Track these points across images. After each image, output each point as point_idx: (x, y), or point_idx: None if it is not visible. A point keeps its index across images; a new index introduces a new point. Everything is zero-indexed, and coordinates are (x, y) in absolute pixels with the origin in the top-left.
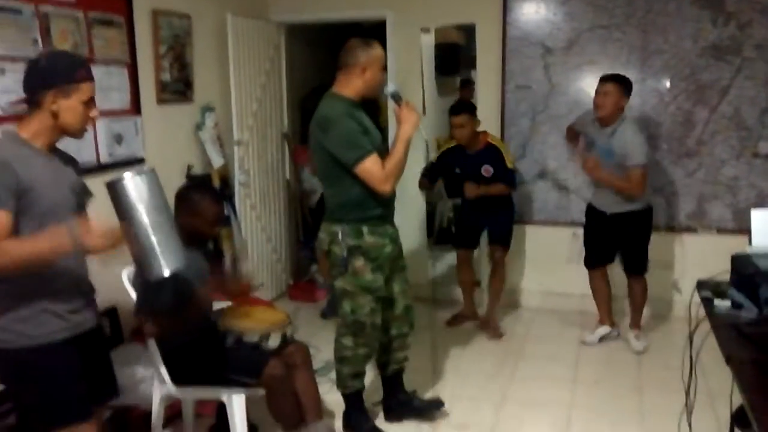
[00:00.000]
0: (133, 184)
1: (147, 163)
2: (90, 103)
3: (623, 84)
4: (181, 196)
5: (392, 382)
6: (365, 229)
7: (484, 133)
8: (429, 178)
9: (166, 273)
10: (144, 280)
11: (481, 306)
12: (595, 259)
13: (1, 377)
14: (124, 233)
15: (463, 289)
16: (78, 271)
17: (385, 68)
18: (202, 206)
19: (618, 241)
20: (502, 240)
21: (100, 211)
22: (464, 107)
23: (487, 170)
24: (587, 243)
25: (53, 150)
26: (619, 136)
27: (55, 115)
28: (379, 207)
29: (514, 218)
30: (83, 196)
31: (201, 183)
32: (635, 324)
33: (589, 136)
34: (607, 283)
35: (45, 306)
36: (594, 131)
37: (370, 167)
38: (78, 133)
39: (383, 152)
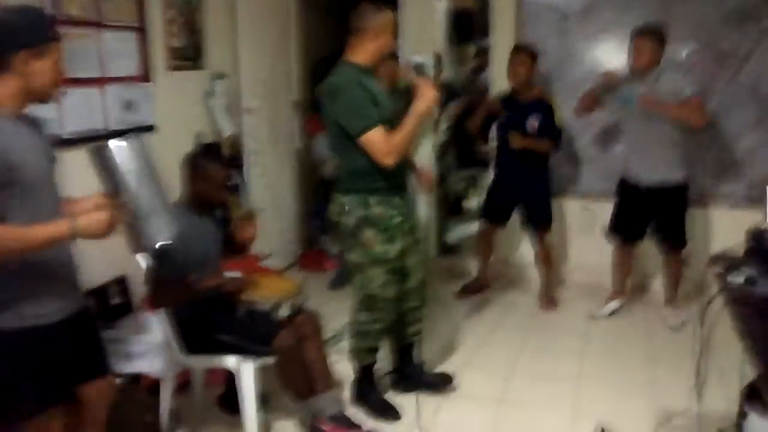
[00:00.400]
0: (119, 150)
1: (157, 130)
2: (60, 63)
3: (657, 36)
4: (189, 162)
5: (403, 354)
6: (372, 199)
7: (540, 88)
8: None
9: (160, 241)
10: (140, 250)
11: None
12: (626, 234)
13: None
14: (112, 203)
15: (480, 260)
16: (71, 248)
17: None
18: (209, 171)
19: (653, 217)
20: (543, 220)
21: (94, 181)
22: (526, 48)
23: (532, 125)
24: (619, 217)
25: (22, 116)
26: (665, 81)
27: (26, 77)
28: (386, 178)
29: (551, 193)
30: (55, 162)
31: (208, 148)
32: (672, 300)
33: (624, 92)
34: (631, 259)
35: (40, 286)
36: (630, 85)
37: (374, 138)
38: (48, 98)
39: (396, 121)
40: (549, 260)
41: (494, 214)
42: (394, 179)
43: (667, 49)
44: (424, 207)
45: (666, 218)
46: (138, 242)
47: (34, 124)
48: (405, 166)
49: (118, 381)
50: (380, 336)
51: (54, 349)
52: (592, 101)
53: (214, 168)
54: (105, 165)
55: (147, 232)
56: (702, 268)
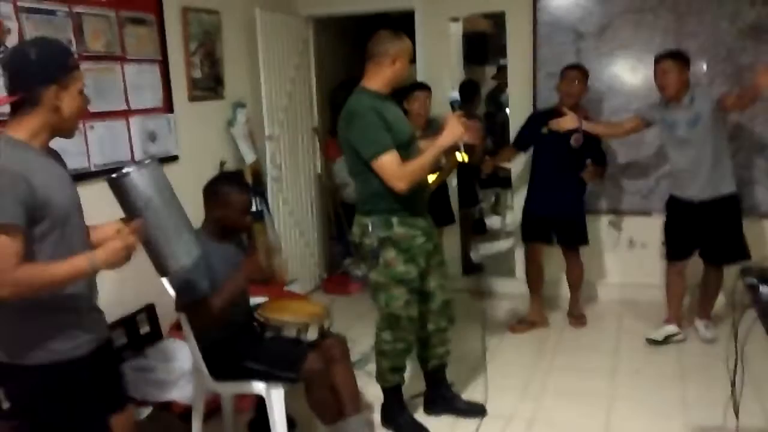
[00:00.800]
0: (138, 177)
1: (180, 160)
2: (83, 92)
3: (680, 58)
4: (208, 189)
5: (433, 376)
6: (395, 220)
7: (584, 109)
8: (518, 145)
9: (181, 266)
10: (162, 274)
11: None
12: (678, 253)
13: (18, 395)
14: (133, 230)
15: (531, 289)
16: (94, 280)
17: (413, 60)
18: (230, 197)
19: (706, 230)
20: (580, 238)
21: (119, 212)
22: (579, 66)
23: (577, 139)
24: (670, 236)
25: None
26: (701, 98)
27: (56, 111)
28: (407, 199)
29: (585, 211)
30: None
31: (227, 174)
32: (707, 314)
33: (666, 119)
34: (684, 279)
35: (71, 320)
36: (670, 112)
37: (385, 163)
38: (73, 131)
39: (413, 144)
40: (580, 278)
41: (534, 232)
42: (416, 201)
43: None
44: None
45: (721, 230)
46: (161, 266)
47: (56, 156)
48: (423, 189)
49: (149, 409)
50: (403, 356)
51: (84, 381)
52: (631, 124)
53: (233, 194)
54: (124, 192)
55: (168, 256)
56: (733, 279)
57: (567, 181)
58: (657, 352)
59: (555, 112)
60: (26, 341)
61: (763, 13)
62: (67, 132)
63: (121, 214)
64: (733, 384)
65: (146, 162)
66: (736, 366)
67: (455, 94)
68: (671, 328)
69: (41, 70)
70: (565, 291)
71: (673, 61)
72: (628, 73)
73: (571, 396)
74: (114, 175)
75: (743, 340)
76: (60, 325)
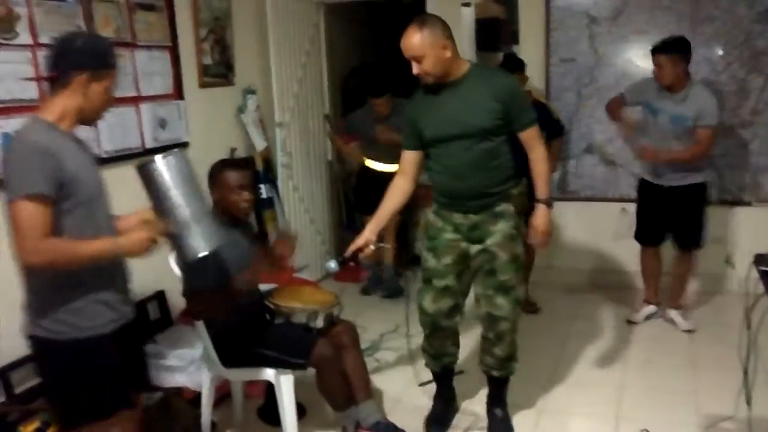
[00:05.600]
0: (164, 165)
1: (191, 147)
2: (113, 90)
3: (675, 51)
4: (209, 175)
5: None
6: (434, 206)
7: (529, 92)
8: None
9: (203, 253)
10: (183, 261)
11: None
12: (648, 235)
13: (45, 370)
14: (158, 217)
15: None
16: (122, 260)
17: None
18: (222, 176)
19: (673, 216)
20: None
21: (131, 198)
22: (515, 63)
23: None
24: (641, 219)
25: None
26: (693, 99)
27: (84, 97)
28: (441, 195)
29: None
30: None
31: (224, 159)
32: (678, 303)
33: (653, 104)
34: (659, 261)
35: (98, 297)
36: (660, 99)
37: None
38: (96, 120)
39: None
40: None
41: None
42: (451, 196)
43: (701, 50)
44: None
45: (685, 217)
46: (183, 253)
47: (80, 143)
48: (474, 188)
49: (159, 394)
50: (431, 360)
51: (108, 358)
52: (616, 109)
53: (226, 173)
54: (151, 180)
55: (191, 243)
56: (747, 268)
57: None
58: (666, 341)
59: None
60: (55, 315)
61: None
62: (90, 121)
63: (132, 202)
64: (745, 373)
65: (174, 152)
66: (748, 355)
67: (332, 265)
68: (650, 309)
69: (79, 56)
70: (573, 278)
71: (665, 56)
72: (642, 59)
73: (581, 385)
74: (141, 163)
75: (756, 329)
76: (87, 302)
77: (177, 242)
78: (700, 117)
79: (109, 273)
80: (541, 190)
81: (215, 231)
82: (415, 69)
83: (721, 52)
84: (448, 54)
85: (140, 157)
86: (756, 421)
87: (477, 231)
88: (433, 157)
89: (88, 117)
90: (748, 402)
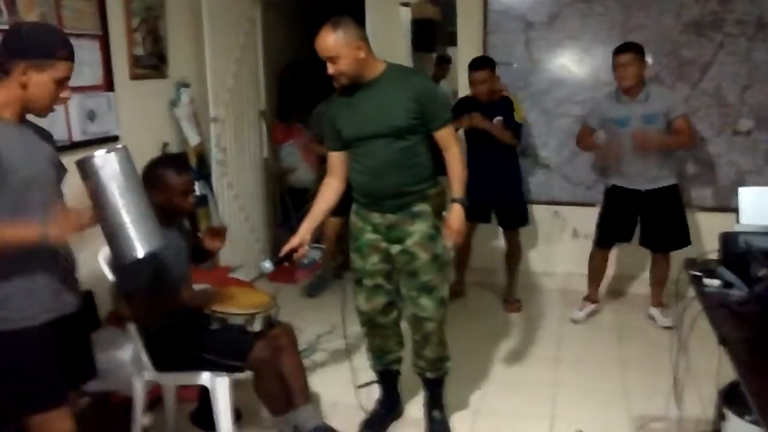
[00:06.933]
0: (105, 161)
1: (121, 141)
2: (63, 83)
3: (639, 51)
4: (146, 175)
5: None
6: (354, 206)
7: (502, 87)
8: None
9: (141, 254)
10: (119, 262)
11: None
12: (611, 239)
13: None
14: (96, 214)
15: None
16: (61, 251)
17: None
18: (169, 180)
19: (653, 219)
20: (515, 221)
21: (72, 191)
22: (485, 62)
23: (499, 122)
24: (606, 223)
25: (26, 123)
26: (655, 96)
27: (23, 87)
28: (360, 194)
29: (523, 193)
30: (61, 171)
31: (164, 157)
32: (659, 301)
33: (617, 116)
34: (606, 263)
35: (25, 286)
36: (622, 107)
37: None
38: (42, 111)
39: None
40: (518, 261)
41: (475, 214)
42: (369, 196)
43: None
44: None
45: (664, 218)
46: (120, 254)
47: (42, 134)
48: (381, 188)
49: (87, 399)
50: (373, 354)
51: (39, 351)
52: (587, 137)
53: (170, 175)
54: (90, 175)
55: (127, 244)
56: (676, 273)
57: (497, 165)
58: (600, 340)
59: (470, 98)
60: None
61: (705, 9)
62: (37, 111)
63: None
64: (675, 373)
65: (116, 148)
66: (678, 356)
67: (267, 264)
68: (592, 307)
69: (20, 44)
70: (504, 277)
71: (633, 54)
72: (575, 65)
73: (516, 385)
74: (83, 157)
75: (686, 331)
76: (17, 291)
77: (114, 242)
78: (671, 110)
79: (42, 262)
80: (456, 189)
81: (156, 232)
82: (330, 69)
83: (650, 60)
84: (362, 54)
85: (66, 151)
86: (686, 422)
87: (395, 231)
88: (354, 157)
89: (34, 108)
90: (678, 403)
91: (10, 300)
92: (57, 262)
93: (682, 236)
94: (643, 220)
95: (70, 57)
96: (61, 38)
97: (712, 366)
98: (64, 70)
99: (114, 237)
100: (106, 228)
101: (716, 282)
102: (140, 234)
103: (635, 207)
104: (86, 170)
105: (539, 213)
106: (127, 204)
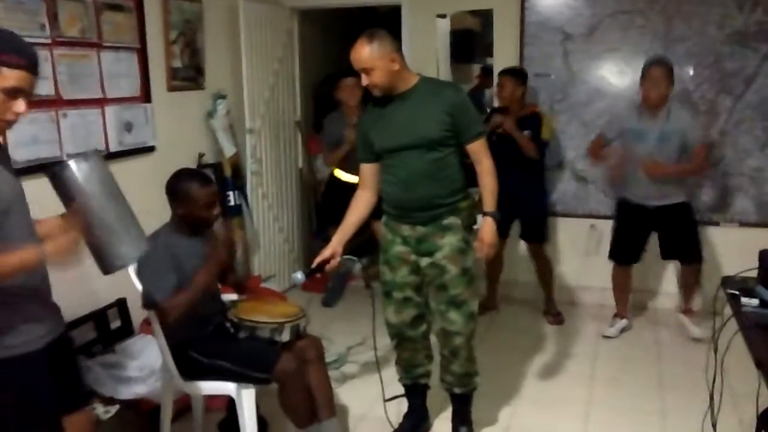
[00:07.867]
0: (78, 169)
1: (157, 151)
2: (13, 93)
3: (671, 68)
4: (169, 187)
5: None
6: (384, 218)
7: (534, 105)
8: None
9: (125, 263)
10: (104, 271)
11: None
12: (625, 255)
13: None
14: (74, 224)
15: (488, 278)
16: (46, 273)
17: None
18: (192, 193)
19: (661, 233)
20: (534, 236)
21: (49, 205)
22: (509, 70)
23: (526, 135)
24: (620, 239)
25: None
26: (675, 116)
27: None
28: (391, 206)
29: (547, 210)
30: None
31: (186, 170)
32: (689, 309)
33: (636, 128)
34: (630, 278)
35: (25, 312)
36: (643, 121)
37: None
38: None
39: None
40: (550, 274)
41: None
42: (400, 207)
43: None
44: None
45: (676, 233)
46: (102, 263)
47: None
48: (412, 200)
49: (116, 407)
50: (402, 369)
51: (36, 378)
52: (599, 149)
53: (194, 188)
54: (63, 185)
55: (110, 253)
56: (714, 289)
57: (523, 178)
58: (635, 359)
59: (503, 111)
60: None
61: (750, 20)
62: None
63: None
64: (711, 397)
65: (88, 154)
66: (714, 377)
67: (299, 276)
68: (623, 323)
69: None
70: (540, 294)
71: (665, 69)
72: (615, 76)
73: (548, 403)
74: (53, 168)
75: (723, 351)
76: (12, 318)
77: (95, 251)
78: (689, 132)
79: (33, 286)
80: (488, 203)
81: (138, 238)
82: (364, 80)
83: (692, 72)
84: (396, 67)
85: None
86: None
87: (425, 244)
88: (385, 169)
89: None
90: (714, 426)
91: (10, 327)
92: (45, 282)
93: (693, 252)
94: (658, 235)
95: (25, 66)
96: (14, 46)
97: (752, 387)
98: (13, 78)
99: (95, 246)
100: (86, 238)
101: (754, 301)
102: (125, 240)
103: (645, 222)
104: (60, 179)
105: (576, 226)
106: (107, 212)
